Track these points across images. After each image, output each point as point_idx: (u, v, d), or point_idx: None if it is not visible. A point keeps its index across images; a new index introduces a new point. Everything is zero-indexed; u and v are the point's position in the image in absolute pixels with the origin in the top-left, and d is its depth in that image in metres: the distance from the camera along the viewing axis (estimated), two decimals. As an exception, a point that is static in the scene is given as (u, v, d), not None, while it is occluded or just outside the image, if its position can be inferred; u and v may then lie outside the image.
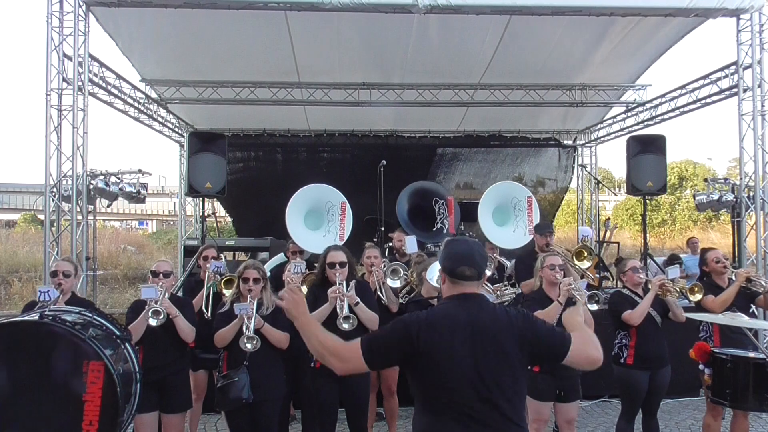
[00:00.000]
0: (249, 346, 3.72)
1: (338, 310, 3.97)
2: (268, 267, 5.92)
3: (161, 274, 4.17)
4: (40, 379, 3.15)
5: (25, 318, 3.39)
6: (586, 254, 5.50)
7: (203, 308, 4.71)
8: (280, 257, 6.26)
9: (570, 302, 4.06)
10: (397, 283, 5.13)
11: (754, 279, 4.66)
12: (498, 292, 4.55)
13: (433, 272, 4.25)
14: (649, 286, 4.42)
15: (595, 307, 4.15)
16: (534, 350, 2.38)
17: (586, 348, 2.40)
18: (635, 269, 4.51)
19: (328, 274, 4.16)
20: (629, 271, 4.52)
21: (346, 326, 3.89)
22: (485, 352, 2.29)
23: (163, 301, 3.94)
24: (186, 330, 4.06)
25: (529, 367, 3.93)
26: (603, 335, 4.77)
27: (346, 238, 6.40)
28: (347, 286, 4.09)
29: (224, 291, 4.70)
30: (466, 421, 2.27)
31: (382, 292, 4.80)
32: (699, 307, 4.69)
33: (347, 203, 6.46)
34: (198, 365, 4.89)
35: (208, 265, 5.00)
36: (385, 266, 5.05)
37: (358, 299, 4.06)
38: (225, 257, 5.96)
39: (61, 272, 4.29)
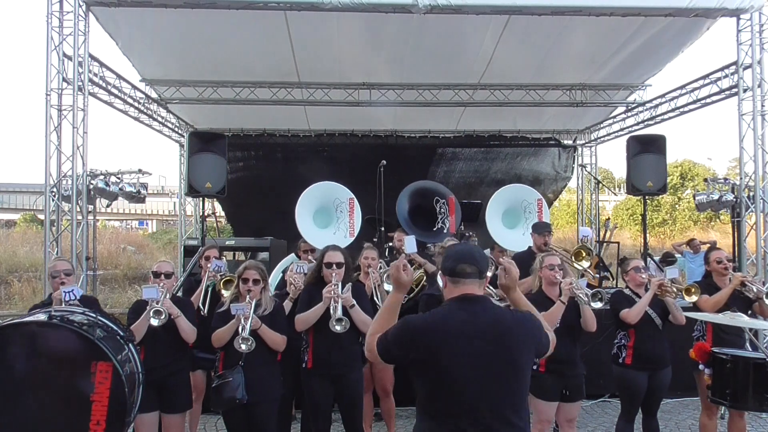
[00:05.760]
0: (243, 347, 3.70)
1: (332, 311, 3.94)
2: (280, 267, 5.93)
3: (163, 275, 4.16)
4: (47, 379, 3.15)
5: (34, 318, 3.39)
6: (584, 254, 5.51)
7: (200, 305, 4.71)
8: (291, 257, 6.26)
9: (573, 302, 4.07)
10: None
11: (748, 284, 4.63)
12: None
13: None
14: (649, 286, 4.43)
15: (599, 305, 4.13)
16: (536, 344, 2.43)
17: (554, 345, 2.55)
18: (638, 269, 4.51)
19: (324, 274, 4.14)
20: (632, 271, 4.52)
21: (338, 328, 3.88)
22: (490, 356, 2.27)
23: (164, 301, 3.94)
24: (187, 330, 4.05)
25: (534, 367, 3.96)
26: (604, 334, 4.86)
27: (356, 234, 6.41)
28: (343, 287, 4.06)
29: (223, 291, 4.70)
30: (468, 428, 2.24)
31: (377, 295, 4.80)
32: (696, 306, 4.70)
33: (355, 199, 6.48)
34: (196, 365, 4.87)
35: (209, 265, 5.01)
36: (382, 269, 5.04)
37: (354, 302, 4.03)
38: (225, 257, 5.96)
39: (62, 271, 4.28)
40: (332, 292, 3.97)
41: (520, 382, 2.33)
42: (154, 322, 3.85)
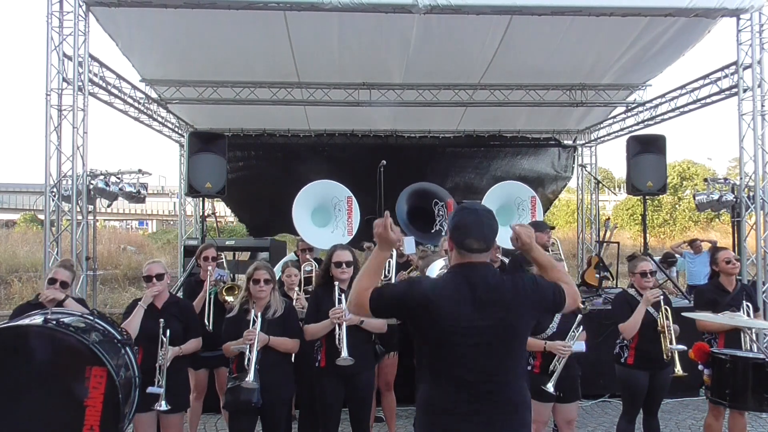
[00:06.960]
0: (251, 378, 3.71)
1: (337, 342, 3.88)
2: (280, 266, 5.95)
3: (154, 278, 4.09)
4: (41, 383, 3.13)
5: (29, 322, 3.36)
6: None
7: (205, 320, 4.73)
8: (290, 257, 6.27)
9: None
10: None
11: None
12: None
13: (433, 272, 4.23)
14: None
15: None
16: (541, 307, 2.49)
17: (574, 299, 2.55)
18: (644, 274, 4.50)
19: (334, 273, 4.13)
20: (638, 275, 4.53)
21: (343, 363, 3.84)
22: (491, 321, 2.32)
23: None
24: (193, 350, 4.11)
25: (529, 368, 3.96)
26: (604, 334, 4.86)
27: (354, 233, 6.39)
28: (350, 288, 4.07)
29: (226, 298, 4.72)
30: (468, 390, 2.30)
31: None
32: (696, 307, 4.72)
33: (353, 198, 6.47)
34: (200, 364, 4.88)
35: (209, 267, 5.00)
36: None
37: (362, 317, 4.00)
38: (225, 257, 5.96)
39: (59, 281, 4.18)
40: (338, 315, 3.91)
41: (518, 346, 2.42)
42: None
